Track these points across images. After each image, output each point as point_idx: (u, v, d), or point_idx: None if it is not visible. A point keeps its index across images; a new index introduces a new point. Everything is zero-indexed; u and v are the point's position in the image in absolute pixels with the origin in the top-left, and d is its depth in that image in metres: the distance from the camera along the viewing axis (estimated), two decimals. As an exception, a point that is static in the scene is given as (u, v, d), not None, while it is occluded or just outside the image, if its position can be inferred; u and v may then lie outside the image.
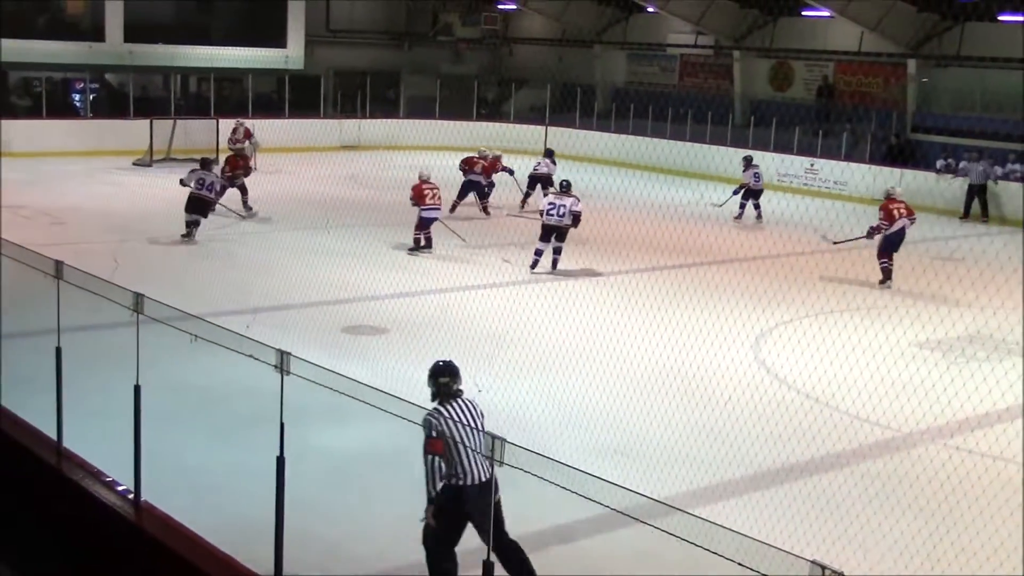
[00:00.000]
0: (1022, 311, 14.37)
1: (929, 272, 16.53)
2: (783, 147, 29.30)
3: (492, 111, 36.53)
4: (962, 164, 25.78)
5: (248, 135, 26.04)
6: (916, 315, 14.76)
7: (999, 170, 25.59)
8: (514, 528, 6.92)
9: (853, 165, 27.99)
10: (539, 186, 22.93)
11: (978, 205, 25.30)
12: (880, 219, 17.52)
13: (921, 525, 8.36)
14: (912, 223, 17.64)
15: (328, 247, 17.50)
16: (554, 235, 17.23)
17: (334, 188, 23.28)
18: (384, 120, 33.02)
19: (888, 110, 29.92)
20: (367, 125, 32.54)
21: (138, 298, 7.82)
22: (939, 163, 26.68)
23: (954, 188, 25.71)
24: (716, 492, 8.99)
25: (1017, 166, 25.75)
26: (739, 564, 4.65)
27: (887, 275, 17.23)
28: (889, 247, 17.36)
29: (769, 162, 27.90)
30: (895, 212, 17.47)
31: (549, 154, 24.08)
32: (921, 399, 11.03)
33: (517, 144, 31.46)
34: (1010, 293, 14.84)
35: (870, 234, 17.68)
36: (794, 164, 28.83)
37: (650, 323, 13.24)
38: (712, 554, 4.78)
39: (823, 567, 4.71)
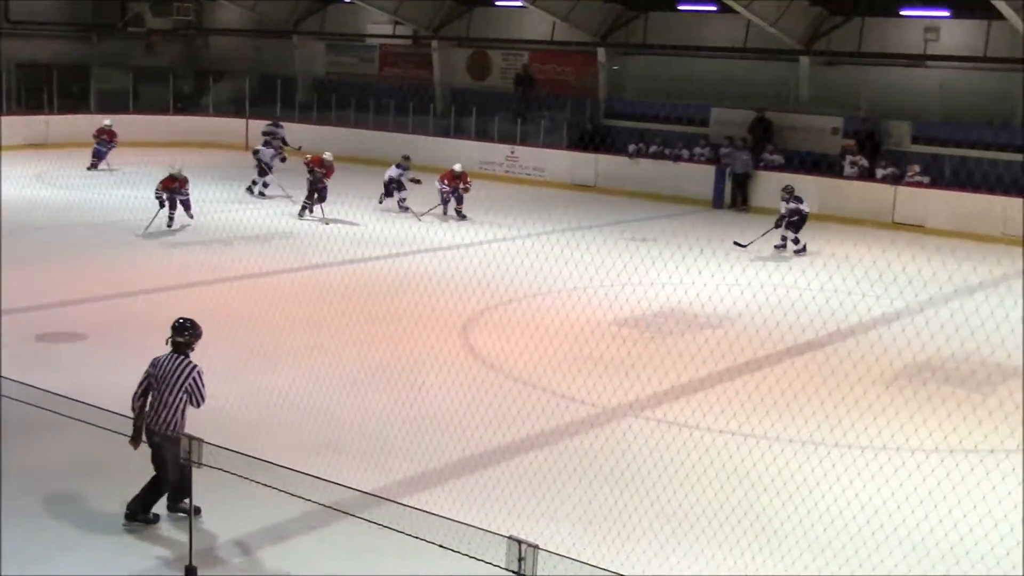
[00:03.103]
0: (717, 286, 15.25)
1: (624, 253, 17.27)
2: (484, 135, 29.95)
3: (189, 104, 35.40)
4: (724, 151, 26.86)
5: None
6: (615, 295, 15.39)
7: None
8: (224, 530, 6.78)
9: (551, 151, 28.94)
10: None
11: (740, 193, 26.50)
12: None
13: (619, 494, 8.75)
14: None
15: (15, 252, 16.50)
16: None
17: (20, 189, 22.00)
18: (74, 116, 31.37)
19: (582, 97, 31.02)
20: (56, 122, 30.86)
21: None
22: (631, 147, 27.91)
23: (643, 170, 26.99)
24: (428, 480, 9.09)
25: (776, 156, 27.13)
26: (441, 546, 4.72)
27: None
28: None
29: (472, 150, 28.44)
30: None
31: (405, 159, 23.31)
32: (621, 375, 11.54)
33: (218, 137, 30.69)
34: (699, 271, 15.69)
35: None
36: (495, 151, 29.46)
37: (356, 316, 13.22)
38: (421, 540, 4.83)
39: (519, 541, 4.90)
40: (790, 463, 9.43)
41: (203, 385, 7.98)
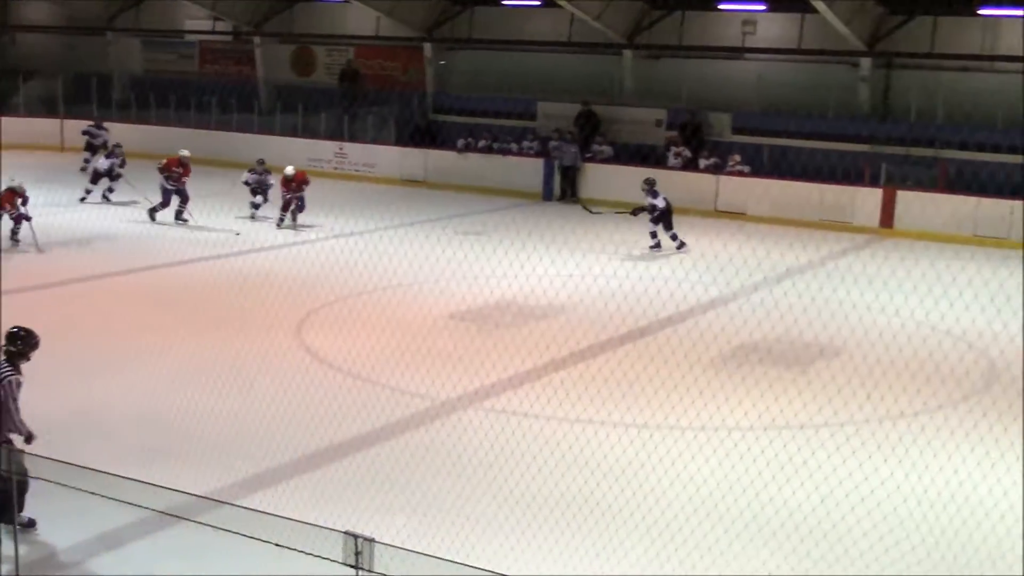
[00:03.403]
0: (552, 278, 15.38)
1: (456, 247, 17.26)
2: (311, 132, 29.54)
3: (-1, 104, 33.88)
4: (552, 144, 26.98)
5: None
6: (448, 289, 15.38)
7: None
8: (58, 540, 6.51)
9: (380, 147, 28.76)
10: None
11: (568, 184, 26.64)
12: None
13: (457, 484, 8.73)
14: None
15: None
16: None
17: None
18: None
19: (410, 92, 30.91)
20: None
21: None
22: (459, 142, 27.95)
23: (473, 165, 27.07)
24: (265, 479, 8.90)
25: (605, 147, 27.39)
26: (276, 545, 4.62)
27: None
28: None
29: (300, 147, 28.00)
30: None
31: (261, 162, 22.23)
32: (456, 367, 11.54)
33: (31, 139, 29.48)
34: (532, 263, 15.76)
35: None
36: (323, 148, 29.09)
37: (187, 318, 12.87)
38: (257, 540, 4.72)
39: (355, 536, 4.87)
40: (625, 447, 9.57)
41: (9, 395, 7.57)
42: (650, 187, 19.80)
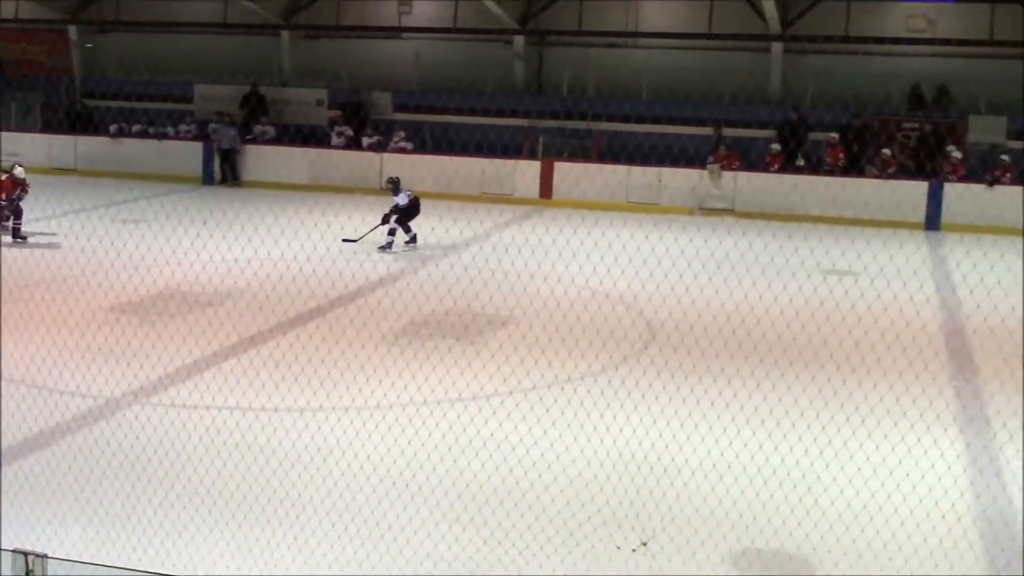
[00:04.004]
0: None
1: (115, 236, 16.50)
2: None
3: None
4: (212, 127, 26.03)
5: None
6: (108, 281, 14.64)
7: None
8: None
9: (26, 135, 27.05)
10: None
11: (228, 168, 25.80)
12: None
13: (131, 486, 8.35)
14: None
15: None
16: None
17: None
18: None
19: (58, 77, 29.25)
20: None
21: None
22: (112, 128, 26.73)
23: (128, 151, 25.98)
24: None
25: (268, 128, 26.59)
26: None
27: None
28: None
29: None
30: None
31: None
32: (122, 363, 11.02)
33: None
34: (196, 249, 15.30)
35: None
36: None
37: None
38: None
39: (26, 553, 4.60)
40: (300, 432, 9.45)
41: None
42: (394, 186, 18.78)
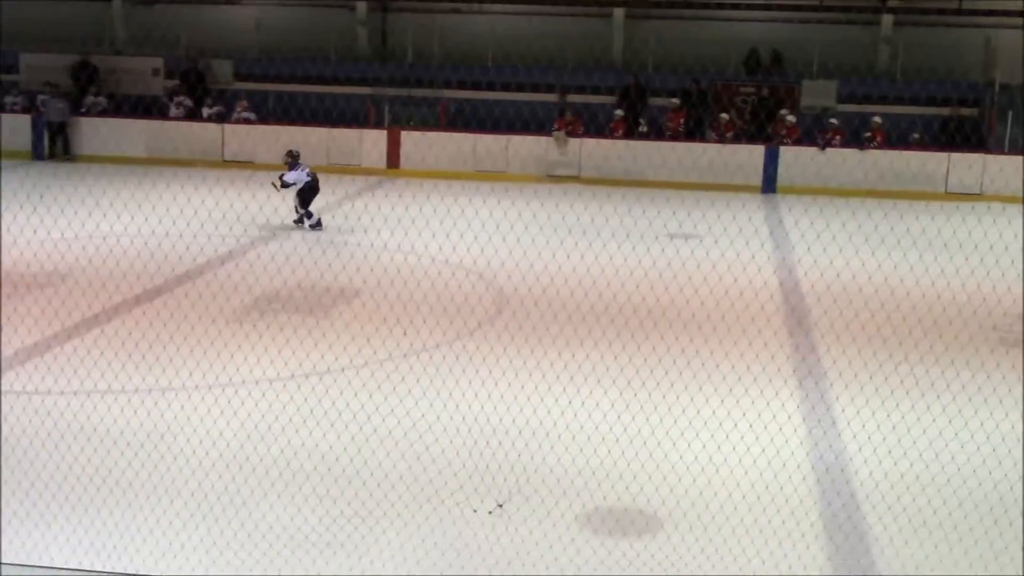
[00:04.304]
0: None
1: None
2: None
3: None
4: (41, 99, 25.00)
5: None
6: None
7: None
8: None
9: None
10: None
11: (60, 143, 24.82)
12: None
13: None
14: None
15: None
16: None
17: None
18: None
19: None
20: None
21: None
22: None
23: None
24: None
25: (101, 99, 25.63)
26: None
27: None
28: None
29: None
30: None
31: None
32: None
33: None
34: (21, 228, 14.79)
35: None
36: None
37: None
38: None
39: None
40: (148, 412, 9.25)
41: None
42: (293, 160, 18.02)
